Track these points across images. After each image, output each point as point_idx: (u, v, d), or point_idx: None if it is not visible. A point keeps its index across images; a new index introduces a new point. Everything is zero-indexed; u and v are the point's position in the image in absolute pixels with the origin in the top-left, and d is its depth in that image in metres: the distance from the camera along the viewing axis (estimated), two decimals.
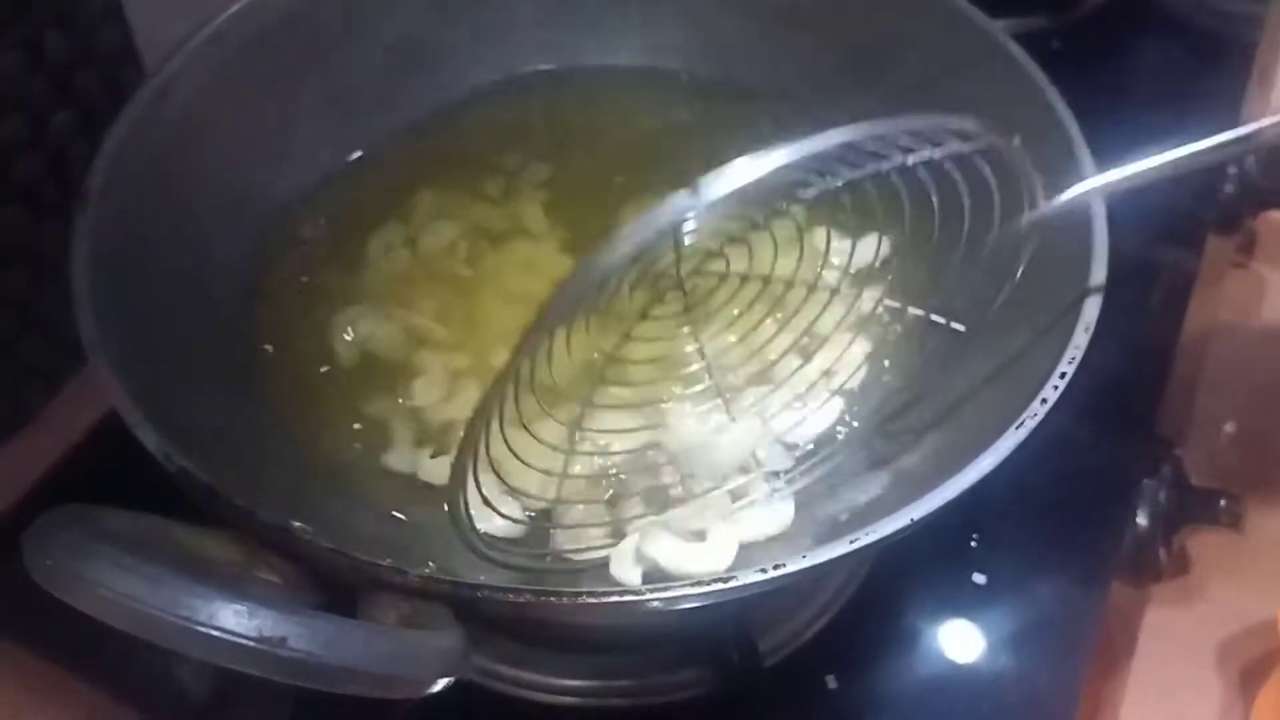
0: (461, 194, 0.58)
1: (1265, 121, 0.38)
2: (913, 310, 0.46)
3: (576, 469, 0.44)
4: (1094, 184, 0.42)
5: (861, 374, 0.48)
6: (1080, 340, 0.41)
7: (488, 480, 0.38)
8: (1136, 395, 0.62)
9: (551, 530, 0.44)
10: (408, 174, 0.59)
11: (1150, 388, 0.62)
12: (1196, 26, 0.84)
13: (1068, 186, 0.43)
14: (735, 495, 0.45)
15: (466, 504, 0.37)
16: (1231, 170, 0.71)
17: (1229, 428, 0.64)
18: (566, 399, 0.45)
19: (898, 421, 0.48)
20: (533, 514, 0.45)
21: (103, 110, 0.60)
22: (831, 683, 0.52)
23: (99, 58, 0.59)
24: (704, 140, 0.59)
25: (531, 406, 0.39)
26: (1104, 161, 0.46)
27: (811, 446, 0.47)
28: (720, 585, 0.35)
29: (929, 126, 0.34)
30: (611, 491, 0.45)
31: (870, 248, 0.45)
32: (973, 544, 0.56)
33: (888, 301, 0.47)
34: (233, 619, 0.29)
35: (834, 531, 0.37)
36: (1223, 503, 0.56)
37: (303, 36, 0.56)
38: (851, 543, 0.36)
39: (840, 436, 0.47)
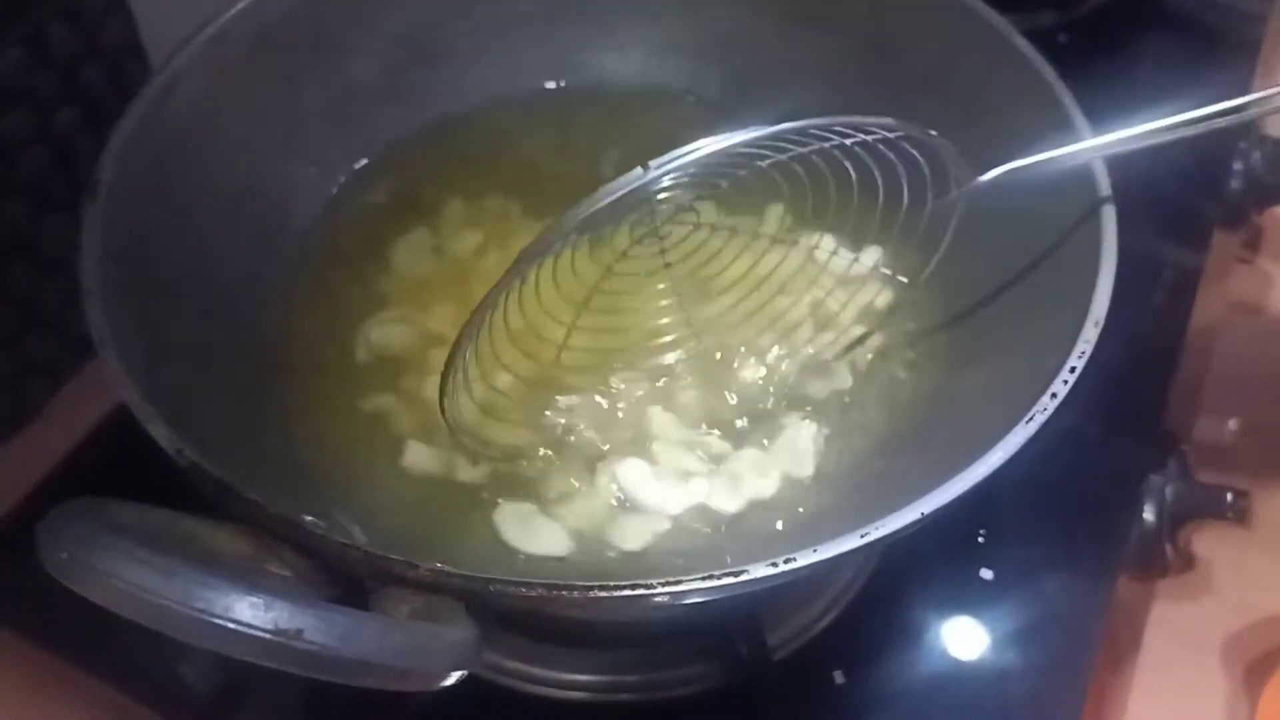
0: (477, 198, 0.58)
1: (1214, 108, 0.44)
2: (865, 259, 0.53)
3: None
4: (1013, 166, 0.46)
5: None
6: (1090, 335, 0.41)
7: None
8: (1143, 391, 0.62)
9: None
10: (420, 175, 0.59)
11: (1156, 383, 0.62)
12: (1202, 22, 0.84)
13: (1074, 180, 0.45)
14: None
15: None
16: (1237, 166, 0.71)
17: (1235, 423, 0.64)
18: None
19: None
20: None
21: (108, 106, 0.60)
22: (839, 677, 0.52)
23: (104, 53, 0.59)
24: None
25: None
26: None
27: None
28: (730, 579, 0.35)
29: (858, 122, 0.42)
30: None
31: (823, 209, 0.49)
32: (980, 539, 0.56)
33: (842, 251, 0.53)
34: (249, 611, 0.29)
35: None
36: (1229, 497, 0.56)
37: (308, 34, 0.56)
38: (862, 537, 0.36)
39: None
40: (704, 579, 0.35)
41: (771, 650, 0.51)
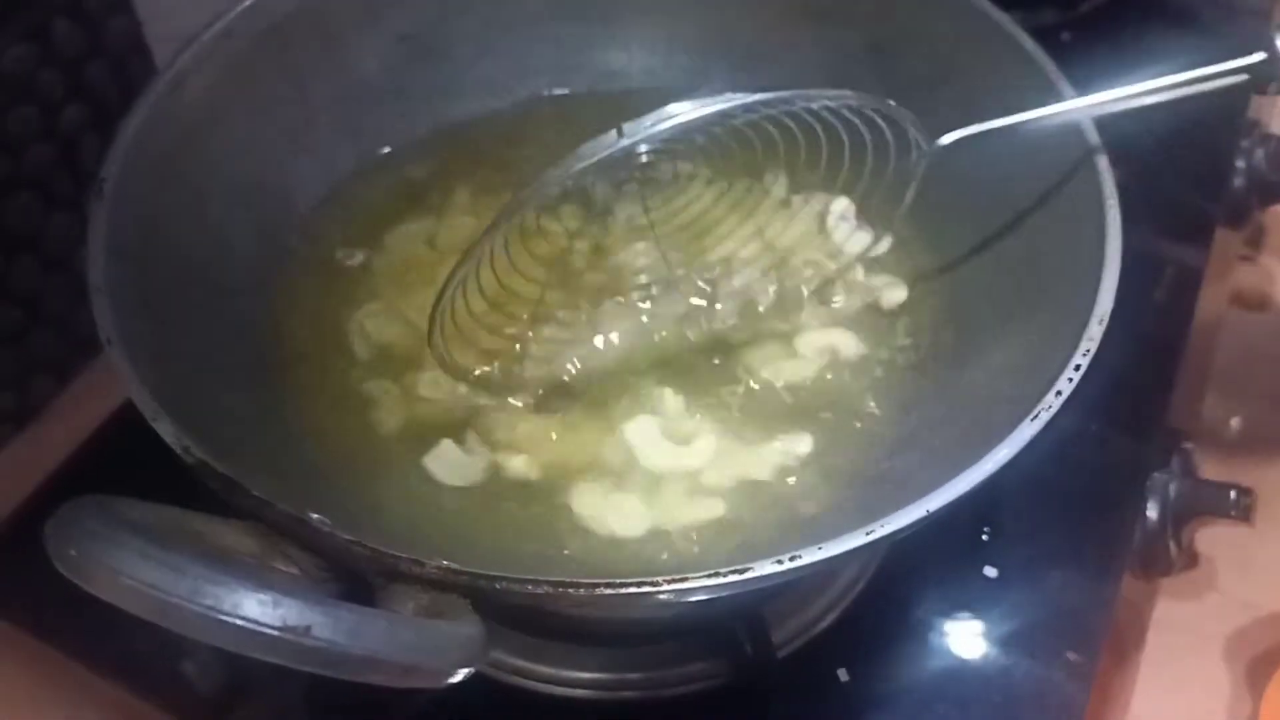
0: (485, 193, 0.58)
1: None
2: (834, 207, 0.56)
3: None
4: (971, 130, 0.48)
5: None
6: (1095, 332, 0.41)
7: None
8: (1146, 388, 0.62)
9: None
10: (428, 170, 0.59)
11: (1160, 381, 0.62)
12: (1205, 19, 0.84)
13: (1077, 172, 0.46)
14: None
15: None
16: (1240, 164, 0.71)
17: (1238, 420, 0.64)
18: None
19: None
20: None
21: (113, 103, 0.60)
22: (843, 675, 0.52)
23: (109, 50, 0.59)
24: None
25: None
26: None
27: None
28: (736, 576, 0.35)
29: (822, 95, 0.45)
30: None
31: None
32: (984, 537, 0.56)
33: (811, 198, 0.56)
34: (257, 608, 0.29)
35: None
36: (1233, 495, 0.56)
37: (314, 31, 0.56)
38: (867, 535, 0.36)
39: None
40: (709, 576, 0.35)
41: (776, 647, 0.51)
